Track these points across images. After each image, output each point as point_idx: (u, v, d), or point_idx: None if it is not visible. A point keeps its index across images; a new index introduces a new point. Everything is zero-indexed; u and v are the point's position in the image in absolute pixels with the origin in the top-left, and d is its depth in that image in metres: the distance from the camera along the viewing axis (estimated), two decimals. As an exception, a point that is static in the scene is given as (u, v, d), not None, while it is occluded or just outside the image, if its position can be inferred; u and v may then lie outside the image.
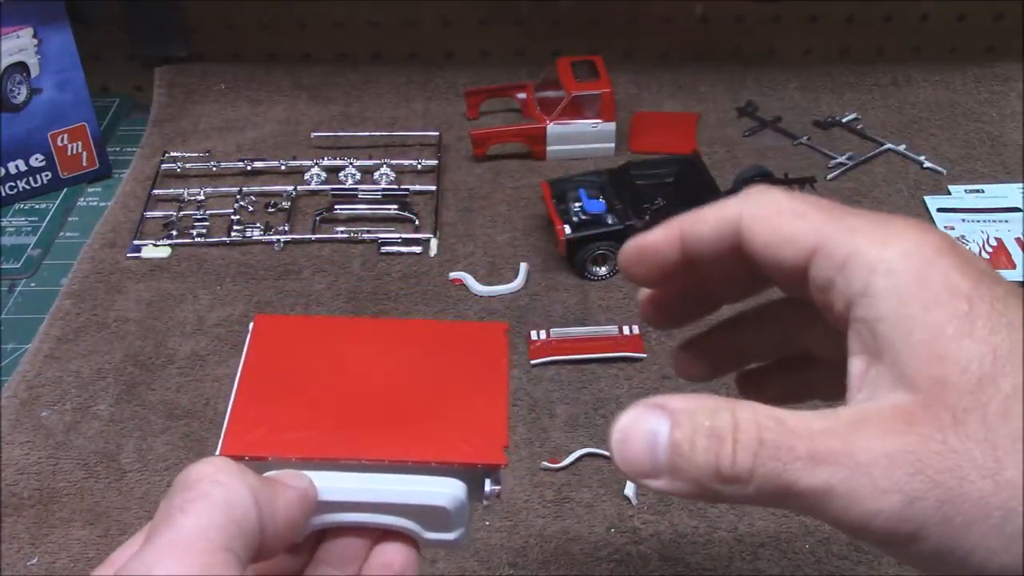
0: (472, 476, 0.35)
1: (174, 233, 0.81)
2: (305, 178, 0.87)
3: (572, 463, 0.62)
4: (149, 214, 0.83)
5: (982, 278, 0.28)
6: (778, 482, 0.27)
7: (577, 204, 0.77)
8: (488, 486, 0.35)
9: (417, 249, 0.79)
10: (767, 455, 0.27)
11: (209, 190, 0.85)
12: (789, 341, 0.38)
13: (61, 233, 0.84)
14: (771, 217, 0.31)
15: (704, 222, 0.33)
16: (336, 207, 0.83)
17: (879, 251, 0.28)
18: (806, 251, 0.30)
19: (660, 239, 0.34)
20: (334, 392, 0.36)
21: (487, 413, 0.35)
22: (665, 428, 0.29)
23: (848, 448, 0.26)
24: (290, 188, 0.85)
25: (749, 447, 0.27)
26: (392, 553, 0.35)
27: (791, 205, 0.31)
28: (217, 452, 0.33)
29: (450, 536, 0.35)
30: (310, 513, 0.33)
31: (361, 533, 0.35)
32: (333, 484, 0.34)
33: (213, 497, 0.29)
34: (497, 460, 0.34)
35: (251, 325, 0.38)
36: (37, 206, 0.87)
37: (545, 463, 0.62)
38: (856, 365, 0.29)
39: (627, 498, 0.60)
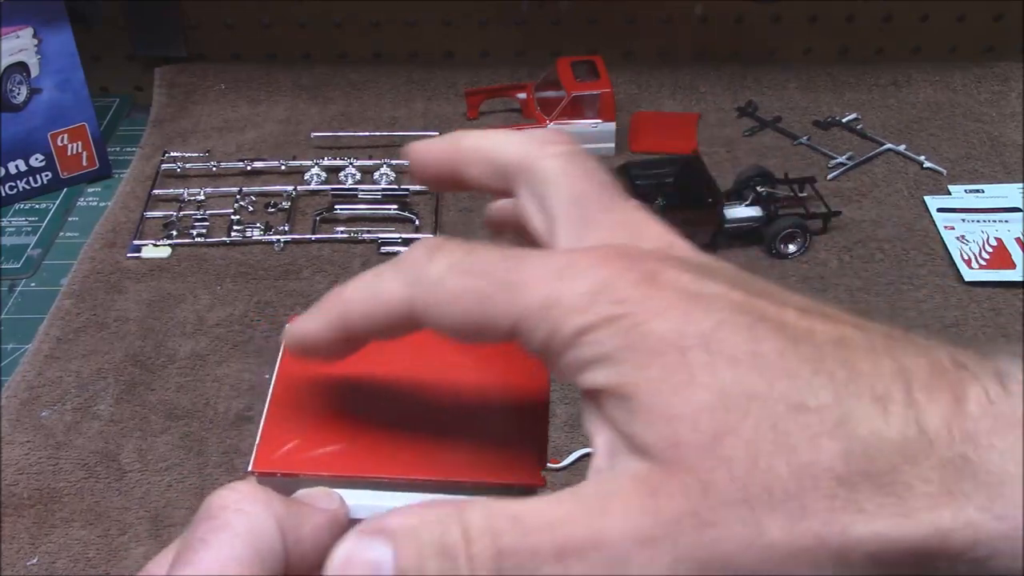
0: (508, 495, 0.34)
1: (174, 233, 0.81)
2: (305, 178, 0.87)
3: (572, 463, 0.62)
4: (149, 214, 0.83)
5: (689, 314, 0.24)
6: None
7: (577, 204, 0.77)
8: None
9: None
10: (510, 565, 0.24)
11: (209, 190, 0.85)
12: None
13: (61, 233, 0.84)
14: (445, 300, 0.27)
15: (365, 312, 0.29)
16: (336, 207, 0.83)
17: (573, 321, 0.25)
18: (504, 333, 0.27)
19: (317, 330, 0.31)
20: (368, 405, 0.35)
21: (525, 430, 0.34)
22: (388, 557, 0.25)
23: (595, 536, 0.24)
24: (290, 188, 0.85)
25: (487, 560, 0.24)
26: None
27: (461, 281, 0.27)
28: (249, 467, 0.33)
29: None
30: (340, 535, 0.33)
31: None
32: (366, 503, 0.33)
33: (236, 527, 0.28)
34: (534, 480, 0.33)
35: (285, 328, 0.38)
36: (37, 206, 0.87)
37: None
38: (590, 428, 0.26)
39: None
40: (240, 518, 0.29)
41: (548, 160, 0.30)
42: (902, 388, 0.23)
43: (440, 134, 0.99)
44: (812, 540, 0.23)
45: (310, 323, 0.31)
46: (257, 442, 0.34)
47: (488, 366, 0.36)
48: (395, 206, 0.83)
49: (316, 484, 0.33)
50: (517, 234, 0.33)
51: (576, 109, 0.87)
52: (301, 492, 0.33)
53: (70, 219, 0.86)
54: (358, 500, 0.33)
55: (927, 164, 0.87)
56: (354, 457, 0.33)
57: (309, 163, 0.87)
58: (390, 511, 0.26)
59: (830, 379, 0.23)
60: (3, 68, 0.81)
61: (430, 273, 0.27)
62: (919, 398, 0.23)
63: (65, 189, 0.88)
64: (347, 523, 0.33)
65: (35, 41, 0.83)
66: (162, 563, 0.30)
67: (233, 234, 0.81)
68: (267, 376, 0.36)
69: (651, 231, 0.29)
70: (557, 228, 0.29)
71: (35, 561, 0.58)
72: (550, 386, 0.35)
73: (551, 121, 0.87)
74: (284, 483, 0.32)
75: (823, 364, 0.24)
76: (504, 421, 0.34)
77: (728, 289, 0.25)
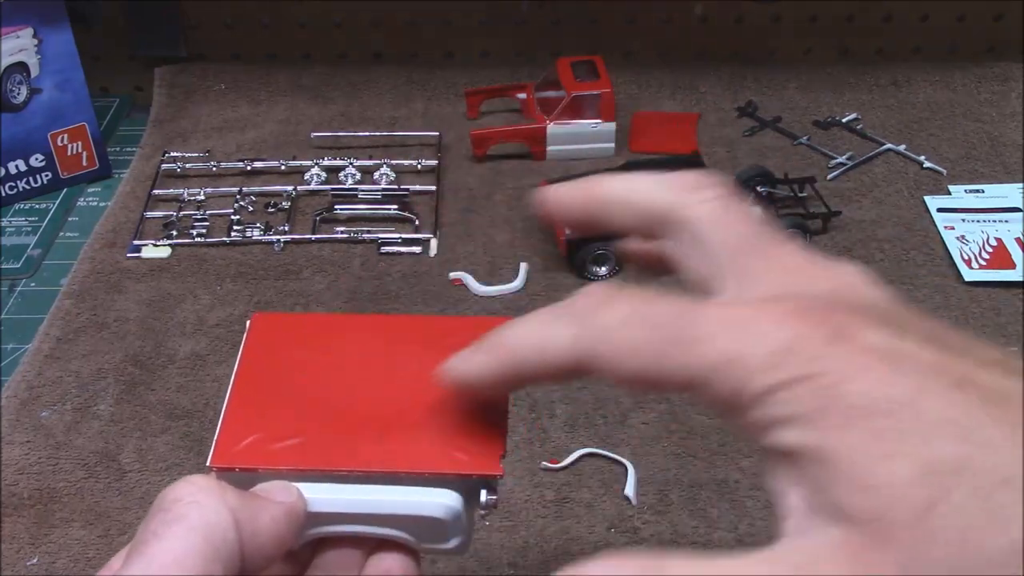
0: (468, 486, 0.34)
1: (174, 233, 0.81)
2: (305, 178, 0.87)
3: (572, 463, 0.62)
4: (149, 214, 0.83)
5: (886, 378, 0.24)
6: None
7: (577, 204, 0.77)
8: (484, 496, 0.34)
9: (417, 249, 0.79)
10: None
11: (209, 190, 0.85)
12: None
13: (61, 233, 0.84)
14: (629, 352, 0.27)
15: (540, 359, 0.29)
16: (336, 207, 0.83)
17: (766, 379, 0.25)
18: (686, 384, 0.26)
19: (482, 374, 0.31)
20: (328, 396, 0.35)
21: (485, 420, 0.34)
22: None
23: None
24: (290, 188, 0.85)
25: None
26: (390, 561, 0.35)
27: (646, 333, 0.27)
28: (208, 462, 0.33)
29: (447, 546, 0.35)
30: (298, 528, 0.33)
31: (357, 542, 0.35)
32: (326, 495, 0.33)
33: (190, 519, 0.28)
34: (492, 471, 0.33)
35: (248, 323, 0.38)
36: (37, 206, 0.87)
37: (545, 463, 0.62)
38: (779, 486, 0.26)
39: (627, 498, 0.60)
40: (194, 510, 0.29)
41: (701, 207, 0.30)
42: None
43: (440, 134, 1.00)
44: None
45: (476, 363, 0.31)
46: (216, 437, 0.34)
47: (450, 352, 0.35)
48: (395, 206, 0.83)
49: (275, 478, 0.33)
50: (661, 270, 0.33)
51: (576, 109, 0.87)
52: (259, 486, 0.33)
53: (70, 219, 0.86)
54: (317, 493, 0.33)
55: (927, 164, 0.87)
56: (313, 451, 0.34)
57: (309, 163, 0.87)
58: (587, 563, 0.26)
59: None
60: (3, 68, 0.81)
61: (607, 323, 0.27)
62: None
63: (65, 189, 0.88)
64: (305, 516, 0.33)
65: (35, 41, 0.83)
66: (113, 566, 0.30)
67: (233, 234, 0.81)
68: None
69: (822, 274, 0.28)
70: (721, 275, 0.29)
71: (35, 561, 0.58)
72: None
73: (551, 121, 0.87)
74: (243, 478, 0.32)
75: (1017, 435, 0.23)
76: (464, 413, 0.34)
77: (922, 346, 0.25)
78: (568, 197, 0.33)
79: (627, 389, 0.28)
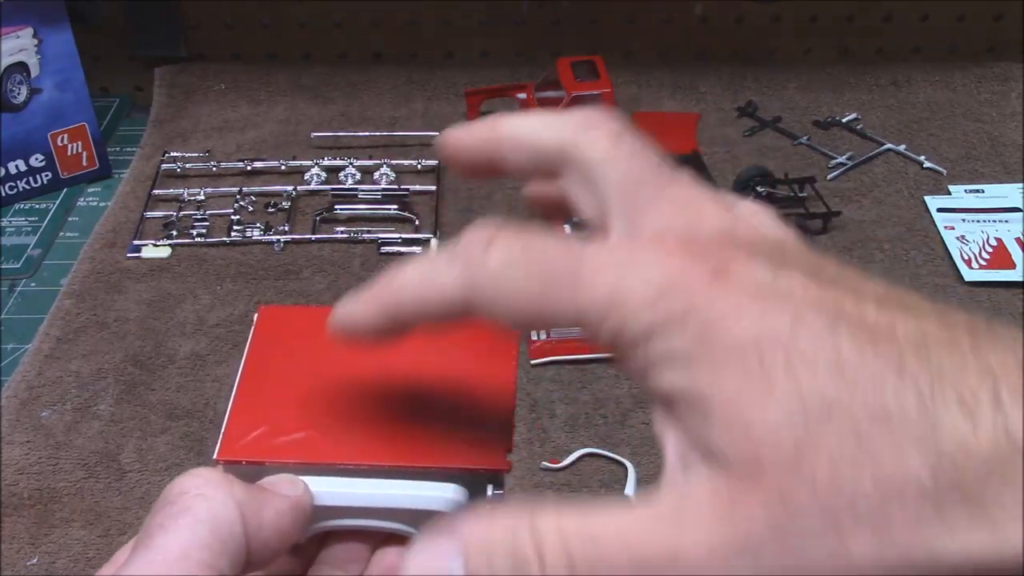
0: (475, 481, 0.34)
1: (174, 233, 0.81)
2: (305, 178, 0.87)
3: (572, 463, 0.62)
4: (149, 214, 0.83)
5: (765, 314, 0.23)
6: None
7: (577, 204, 0.77)
8: (490, 491, 0.34)
9: (417, 249, 0.79)
10: (583, 572, 0.23)
11: (209, 190, 0.85)
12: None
13: (61, 233, 0.84)
14: (507, 286, 0.26)
15: (418, 299, 0.28)
16: (336, 207, 0.83)
17: (645, 319, 0.24)
18: (571, 320, 0.26)
19: (363, 315, 0.30)
20: (336, 390, 0.35)
21: (492, 416, 0.34)
22: (458, 565, 0.25)
23: (672, 552, 0.23)
24: (290, 188, 0.85)
25: (559, 566, 0.24)
26: (395, 556, 0.35)
27: (525, 268, 0.26)
28: (214, 455, 0.33)
29: None
30: (304, 521, 0.33)
31: (364, 536, 0.35)
32: (332, 489, 0.33)
33: (196, 512, 0.28)
34: (499, 465, 0.34)
35: (255, 316, 0.37)
36: (37, 206, 0.87)
37: (545, 463, 0.62)
38: (662, 434, 0.25)
39: (627, 498, 0.60)
40: (200, 503, 0.29)
41: (593, 143, 0.29)
42: (989, 391, 0.22)
43: (439, 134, 0.99)
44: (897, 557, 0.22)
45: (359, 307, 0.30)
46: (223, 430, 0.34)
47: (456, 353, 0.36)
48: (395, 206, 0.83)
49: (280, 471, 0.33)
50: (560, 214, 0.32)
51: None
52: (265, 479, 0.33)
53: (70, 219, 0.86)
54: (323, 487, 0.33)
55: (927, 164, 0.87)
56: (319, 444, 0.33)
57: (309, 163, 0.87)
58: (460, 515, 0.26)
59: (914, 383, 0.22)
60: (3, 68, 0.81)
61: (488, 265, 0.26)
62: (1006, 402, 0.21)
63: (65, 189, 0.88)
64: (311, 509, 0.33)
65: (35, 41, 0.83)
66: (119, 560, 0.30)
67: (233, 234, 0.81)
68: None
69: (711, 210, 0.27)
70: (610, 213, 0.28)
71: (35, 561, 0.58)
72: (517, 372, 0.36)
73: (551, 121, 0.87)
74: (250, 471, 0.32)
75: (906, 367, 0.22)
76: (471, 407, 0.34)
77: (803, 281, 0.24)
78: (466, 138, 0.32)
79: (513, 328, 0.27)
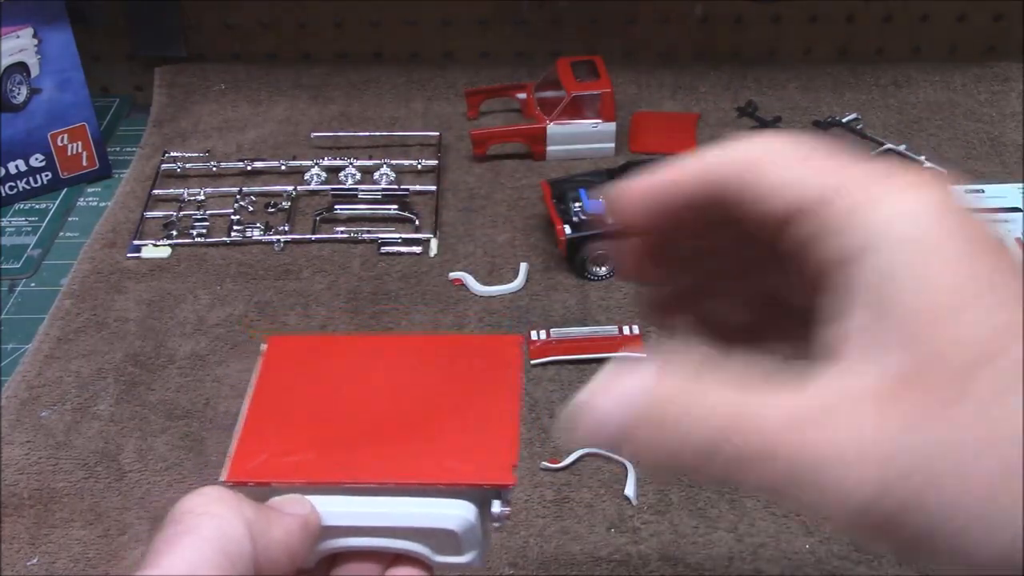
0: (482, 496, 0.34)
1: (174, 233, 0.81)
2: (305, 178, 0.87)
3: (572, 463, 0.62)
4: (149, 214, 0.83)
5: (989, 245, 0.25)
6: (737, 476, 0.25)
7: (577, 204, 0.77)
8: (497, 507, 0.34)
9: (417, 249, 0.79)
10: (727, 441, 0.25)
11: (209, 190, 0.85)
12: (750, 278, 0.33)
13: (61, 233, 0.84)
14: (781, 159, 0.28)
15: (717, 163, 0.29)
16: (336, 207, 0.83)
17: (887, 204, 0.25)
18: (812, 196, 0.27)
19: (669, 180, 0.30)
20: (343, 414, 0.35)
21: (497, 430, 0.34)
22: (650, 382, 0.26)
23: (814, 440, 0.24)
24: (290, 188, 0.85)
25: (711, 429, 0.25)
26: (404, 574, 0.35)
27: (795, 148, 0.28)
28: (222, 478, 0.33)
29: (462, 559, 0.34)
30: (312, 541, 0.32)
31: (373, 557, 0.34)
32: (339, 509, 0.33)
33: (204, 530, 0.28)
34: (505, 480, 0.33)
35: (263, 347, 0.37)
36: (37, 206, 0.87)
37: (545, 463, 0.62)
38: (837, 328, 0.26)
39: (627, 498, 0.60)
40: (207, 521, 0.29)
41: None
42: None
43: (440, 134, 0.99)
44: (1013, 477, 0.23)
45: (660, 176, 0.30)
46: (231, 452, 0.34)
47: (461, 369, 0.35)
48: (395, 206, 0.83)
49: (288, 492, 0.33)
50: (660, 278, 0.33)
51: (576, 109, 0.87)
52: (273, 499, 0.33)
53: (70, 219, 0.86)
54: (331, 507, 0.33)
55: (927, 164, 0.87)
56: (326, 464, 0.33)
57: (309, 163, 0.87)
58: (628, 372, 0.27)
59: None
60: (3, 68, 0.81)
61: (761, 140, 0.28)
62: None
63: (65, 189, 0.88)
64: (319, 529, 0.32)
65: (35, 41, 0.83)
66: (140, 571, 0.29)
67: (233, 234, 0.81)
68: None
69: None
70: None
71: (35, 561, 0.58)
72: (522, 389, 0.35)
73: (551, 121, 0.87)
74: (257, 492, 0.32)
75: None
76: (476, 422, 0.34)
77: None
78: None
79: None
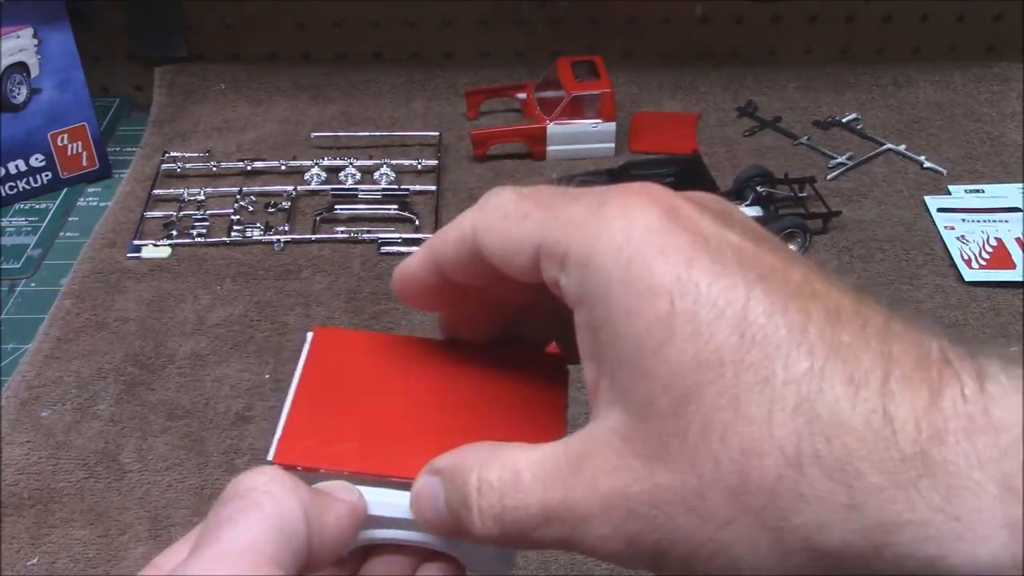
0: None
1: (174, 233, 0.81)
2: (305, 178, 0.87)
3: (572, 463, 0.62)
4: (149, 214, 0.83)
5: (693, 260, 0.24)
6: (526, 542, 0.27)
7: (577, 204, 0.77)
8: None
9: (417, 249, 0.79)
10: (509, 519, 0.27)
11: (209, 190, 0.85)
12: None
13: (61, 233, 0.84)
14: (497, 225, 0.29)
15: (446, 242, 0.31)
16: (336, 207, 0.83)
17: (588, 247, 0.26)
18: (532, 254, 0.28)
19: (416, 266, 0.33)
20: (389, 409, 0.35)
21: (543, 429, 0.34)
22: (440, 492, 0.30)
23: (568, 498, 0.26)
24: (290, 188, 0.85)
25: (490, 519, 0.27)
26: (436, 571, 0.35)
27: (515, 207, 0.29)
28: (270, 457, 0.33)
29: (492, 560, 0.35)
30: (359, 527, 0.32)
31: (406, 551, 0.35)
32: (381, 499, 0.33)
33: (264, 508, 0.28)
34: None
35: (309, 335, 0.38)
36: (37, 206, 0.87)
37: (545, 463, 0.62)
38: (588, 374, 0.27)
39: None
40: (269, 500, 0.29)
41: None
42: (880, 375, 0.23)
43: (440, 134, 1.00)
44: (752, 522, 0.23)
45: (409, 262, 0.33)
46: (279, 434, 0.34)
47: (507, 378, 0.36)
48: (395, 206, 0.83)
49: (335, 479, 0.33)
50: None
51: (576, 109, 0.87)
52: (322, 484, 0.33)
53: (70, 219, 0.86)
54: (375, 497, 0.33)
55: (927, 164, 0.87)
56: (373, 456, 0.34)
57: (309, 163, 0.87)
58: (444, 455, 0.29)
59: (809, 354, 0.23)
60: (3, 68, 0.81)
61: (495, 197, 0.30)
62: (894, 388, 0.22)
63: (65, 189, 0.88)
64: (365, 517, 0.33)
65: (35, 41, 0.83)
66: (180, 550, 0.30)
67: (233, 234, 0.81)
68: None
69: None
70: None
71: (35, 561, 0.58)
72: (568, 385, 0.35)
73: (551, 121, 0.87)
74: (304, 477, 0.32)
75: (807, 337, 0.23)
76: (522, 421, 0.35)
77: (740, 239, 0.25)
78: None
79: (499, 271, 0.30)
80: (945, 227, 0.80)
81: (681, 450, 0.23)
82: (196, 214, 0.83)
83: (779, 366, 0.23)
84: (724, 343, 0.23)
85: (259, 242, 0.80)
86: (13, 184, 0.86)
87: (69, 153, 0.87)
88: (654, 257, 0.24)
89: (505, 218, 0.29)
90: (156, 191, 0.85)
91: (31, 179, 0.87)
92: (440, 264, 0.32)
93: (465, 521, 0.28)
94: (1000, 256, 0.77)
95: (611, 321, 0.25)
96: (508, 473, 0.27)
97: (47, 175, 0.87)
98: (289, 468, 0.32)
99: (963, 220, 0.81)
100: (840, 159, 0.88)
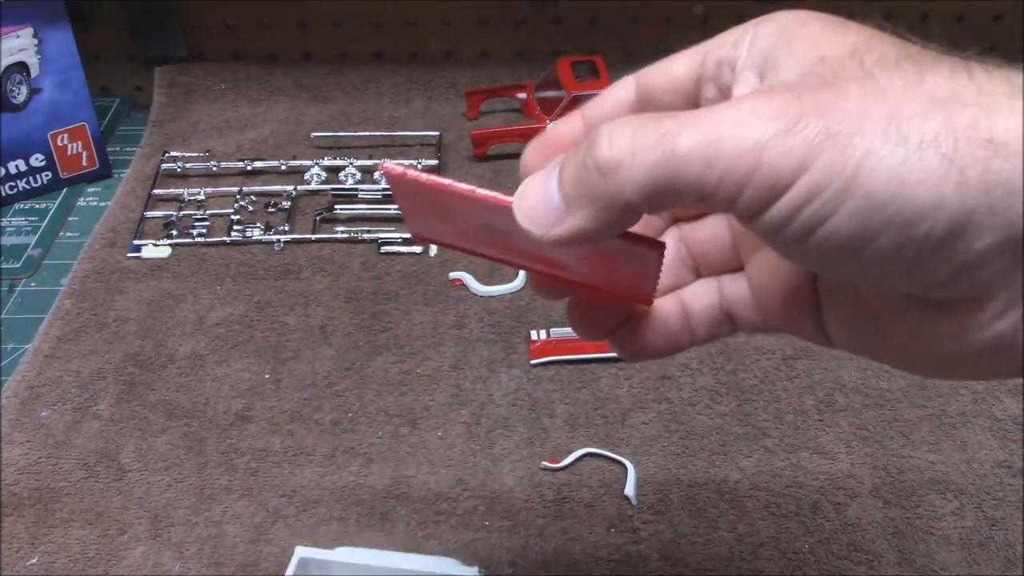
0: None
1: (174, 233, 0.81)
2: (305, 178, 0.87)
3: (572, 463, 0.62)
4: (149, 214, 0.83)
5: (850, 27, 0.34)
6: (656, 154, 0.27)
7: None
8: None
9: (417, 249, 0.79)
10: (642, 133, 0.28)
11: (209, 190, 0.85)
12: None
13: (61, 233, 0.84)
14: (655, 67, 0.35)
15: (599, 105, 0.37)
16: (336, 207, 0.83)
17: (759, 28, 0.33)
18: (697, 59, 0.34)
19: (566, 130, 0.37)
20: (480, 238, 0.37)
21: (643, 277, 0.35)
22: (556, 170, 0.31)
23: (723, 111, 0.27)
24: (290, 188, 0.85)
25: (625, 134, 0.28)
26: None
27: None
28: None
29: None
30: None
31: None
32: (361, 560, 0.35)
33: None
34: (646, 302, 0.36)
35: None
36: (37, 206, 0.87)
37: (545, 463, 0.62)
38: (739, 89, 0.32)
39: (627, 498, 0.60)
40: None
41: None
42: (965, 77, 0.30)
43: (440, 134, 1.00)
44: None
45: (553, 128, 0.39)
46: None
47: (608, 258, 0.36)
48: (395, 206, 0.83)
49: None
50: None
51: (576, 109, 0.87)
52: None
53: (70, 219, 0.86)
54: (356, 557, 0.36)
55: (927, 164, 0.87)
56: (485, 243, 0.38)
57: (309, 163, 0.87)
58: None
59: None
60: (3, 68, 0.81)
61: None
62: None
63: (65, 189, 0.88)
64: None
65: (35, 41, 0.83)
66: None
67: (233, 234, 0.81)
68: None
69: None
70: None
71: (35, 561, 0.58)
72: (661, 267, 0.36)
73: (551, 121, 0.87)
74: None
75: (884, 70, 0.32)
76: (623, 262, 0.35)
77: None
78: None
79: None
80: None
81: (858, 67, 0.31)
82: (196, 214, 0.83)
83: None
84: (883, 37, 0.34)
85: (259, 242, 0.81)
86: (13, 184, 0.86)
87: (69, 153, 0.87)
88: (816, 18, 0.33)
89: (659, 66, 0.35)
90: (156, 191, 0.85)
91: (31, 179, 0.87)
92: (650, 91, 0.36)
93: (590, 151, 0.29)
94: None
95: (784, 37, 0.32)
96: (639, 116, 0.29)
97: (47, 175, 0.87)
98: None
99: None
100: (840, 159, 0.88)
